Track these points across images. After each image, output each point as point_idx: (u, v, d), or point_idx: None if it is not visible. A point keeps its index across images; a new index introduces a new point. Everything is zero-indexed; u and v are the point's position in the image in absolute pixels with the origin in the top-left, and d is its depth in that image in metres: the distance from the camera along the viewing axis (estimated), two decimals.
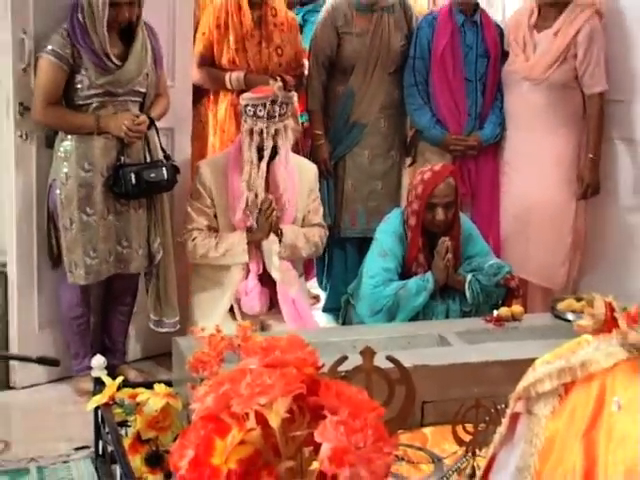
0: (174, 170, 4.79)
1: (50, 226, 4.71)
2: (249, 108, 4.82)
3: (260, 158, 4.86)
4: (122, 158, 4.61)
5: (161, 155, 4.79)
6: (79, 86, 4.56)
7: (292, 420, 2.22)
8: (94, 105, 4.58)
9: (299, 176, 5.07)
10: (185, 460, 2.21)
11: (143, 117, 4.64)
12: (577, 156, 5.41)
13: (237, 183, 4.88)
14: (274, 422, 2.16)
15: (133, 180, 4.58)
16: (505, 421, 2.26)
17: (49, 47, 4.49)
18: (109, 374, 3.76)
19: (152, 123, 4.70)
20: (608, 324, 2.10)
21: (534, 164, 5.41)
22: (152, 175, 4.67)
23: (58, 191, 4.59)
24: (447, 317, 4.77)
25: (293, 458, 2.23)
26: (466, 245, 4.95)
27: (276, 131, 4.83)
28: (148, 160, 4.72)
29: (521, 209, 5.48)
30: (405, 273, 4.83)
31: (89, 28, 4.47)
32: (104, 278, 4.77)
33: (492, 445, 2.29)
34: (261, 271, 4.97)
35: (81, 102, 4.58)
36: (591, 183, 5.34)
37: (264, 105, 4.78)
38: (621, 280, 5.42)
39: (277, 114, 4.80)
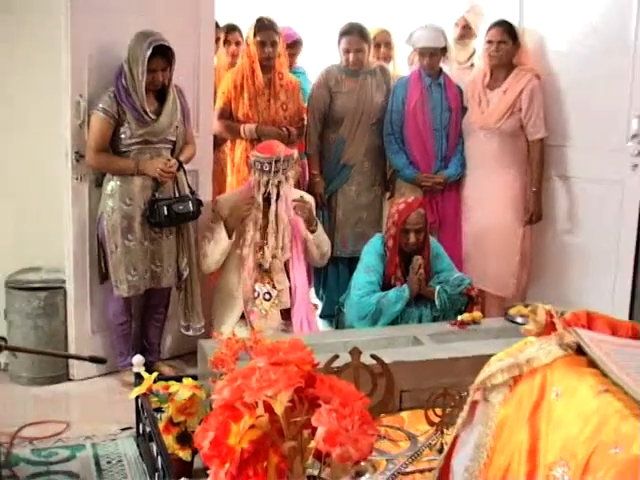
0: (198, 203, 4.78)
1: (99, 250, 4.70)
2: (257, 164, 4.86)
3: (267, 200, 4.92)
4: (156, 194, 4.62)
5: (188, 191, 4.78)
6: (123, 136, 4.55)
7: (294, 408, 2.22)
8: (134, 151, 4.58)
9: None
10: (207, 441, 2.21)
11: (174, 161, 4.64)
12: (523, 190, 5.41)
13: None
14: (279, 410, 2.16)
15: (165, 212, 4.59)
16: (466, 407, 2.26)
17: (99, 105, 4.49)
18: (147, 369, 3.76)
19: (181, 165, 4.71)
20: (548, 328, 2.10)
21: (489, 197, 5.40)
22: (180, 208, 4.67)
23: (105, 222, 4.58)
24: (420, 321, 4.74)
25: (295, 439, 2.22)
26: (434, 262, 4.93)
27: (279, 182, 4.87)
28: (177, 195, 4.71)
29: (479, 233, 5.46)
30: (385, 286, 4.81)
31: (131, 90, 4.48)
32: (142, 292, 4.76)
33: (456, 427, 2.29)
34: (269, 294, 4.97)
35: (124, 149, 4.57)
36: (534, 211, 5.35)
37: (269, 163, 4.81)
38: (560, 289, 5.43)
39: (280, 170, 4.83)
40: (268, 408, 2.20)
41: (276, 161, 4.84)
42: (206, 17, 5.07)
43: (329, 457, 2.13)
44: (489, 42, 5.34)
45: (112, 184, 4.58)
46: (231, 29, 5.94)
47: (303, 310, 4.95)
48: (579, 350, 2.03)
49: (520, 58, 5.35)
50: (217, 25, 5.41)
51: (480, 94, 5.41)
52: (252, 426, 2.21)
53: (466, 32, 5.98)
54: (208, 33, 5.11)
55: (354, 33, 5.42)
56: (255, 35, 5.32)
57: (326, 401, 2.21)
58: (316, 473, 2.24)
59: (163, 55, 4.49)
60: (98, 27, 4.55)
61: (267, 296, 4.95)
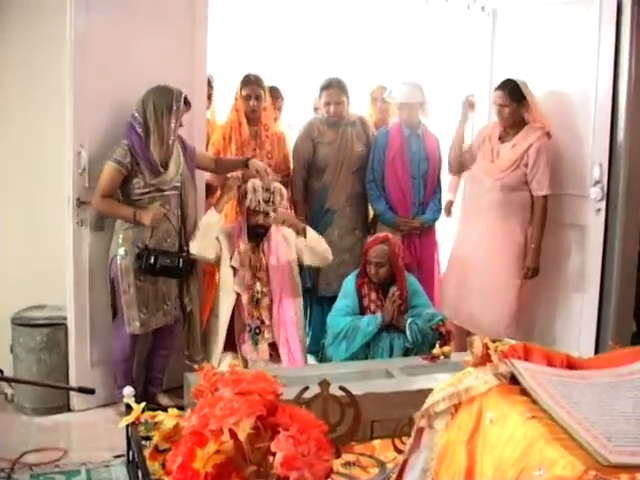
0: (190, 262, 4.81)
1: (111, 290, 4.69)
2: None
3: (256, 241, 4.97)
4: (147, 243, 4.64)
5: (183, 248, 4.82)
6: (136, 186, 4.57)
7: (258, 435, 2.23)
8: (146, 199, 4.61)
9: (286, 240, 5.07)
10: (175, 465, 2.22)
11: (162, 211, 4.65)
12: (523, 242, 5.29)
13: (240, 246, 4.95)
14: (241, 436, 2.18)
15: (152, 261, 4.59)
16: (413, 434, 2.28)
17: (114, 157, 4.50)
18: (149, 400, 3.75)
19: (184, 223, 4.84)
20: (484, 359, 2.13)
21: (487, 246, 5.33)
22: (167, 262, 4.65)
23: (119, 264, 4.59)
24: (392, 348, 4.77)
25: (260, 464, 2.23)
26: (412, 297, 4.94)
27: (268, 212, 4.92)
28: (175, 249, 4.78)
29: (474, 279, 5.39)
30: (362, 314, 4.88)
31: (151, 143, 4.52)
32: (153, 329, 4.78)
33: (405, 452, 2.31)
34: (259, 328, 4.96)
35: (136, 197, 4.60)
36: (531, 267, 5.23)
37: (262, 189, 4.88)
38: (533, 327, 5.48)
39: (270, 199, 4.90)
40: (233, 435, 2.22)
41: (267, 189, 4.89)
42: (199, 75, 5.14)
43: None
44: (494, 103, 5.29)
45: (126, 231, 4.61)
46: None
47: (286, 345, 4.94)
48: (513, 379, 2.06)
49: (531, 115, 5.25)
50: (209, 82, 5.48)
51: (493, 146, 5.34)
52: (217, 451, 2.22)
53: None
54: (201, 90, 5.17)
55: (333, 87, 5.50)
56: (241, 90, 5.43)
57: (285, 428, 2.23)
58: None
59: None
60: (99, 83, 4.62)
61: (257, 330, 4.96)
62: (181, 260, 4.72)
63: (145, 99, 4.55)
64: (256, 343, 4.94)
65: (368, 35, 7.83)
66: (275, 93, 6.05)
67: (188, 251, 4.81)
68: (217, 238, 4.92)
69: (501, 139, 5.34)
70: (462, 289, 5.46)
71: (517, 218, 5.28)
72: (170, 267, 4.67)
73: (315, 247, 5.07)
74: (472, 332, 5.45)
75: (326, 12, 7.56)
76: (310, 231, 5.08)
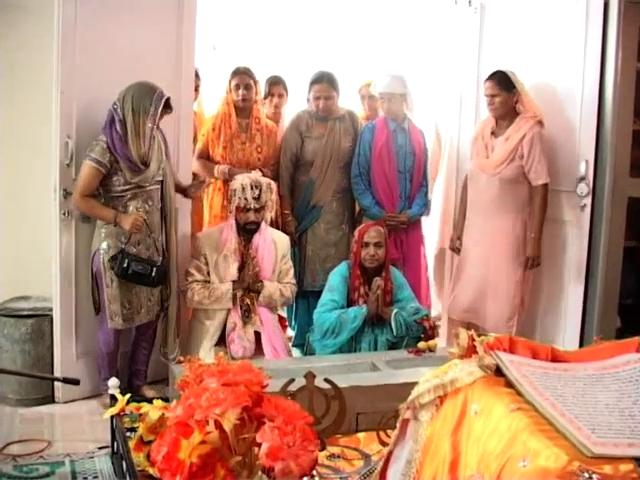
0: (163, 272, 4.73)
1: (94, 284, 4.64)
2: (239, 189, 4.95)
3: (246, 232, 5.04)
4: (124, 246, 4.56)
5: (159, 258, 4.75)
6: (116, 183, 4.51)
7: (243, 426, 2.23)
8: (128, 197, 4.56)
9: (275, 245, 5.11)
10: (160, 455, 2.22)
11: (142, 220, 4.56)
12: (523, 235, 5.24)
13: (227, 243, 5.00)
14: (227, 427, 2.18)
15: (125, 265, 4.50)
16: (398, 425, 2.28)
17: (92, 155, 4.44)
18: (133, 392, 3.73)
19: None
20: (470, 351, 2.13)
21: (489, 240, 5.29)
22: (140, 268, 4.56)
23: (101, 258, 4.55)
24: (375, 344, 4.80)
25: (245, 455, 2.24)
26: (397, 291, 4.98)
27: (259, 207, 4.99)
28: (148, 257, 4.68)
29: (480, 275, 5.34)
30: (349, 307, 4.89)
31: (129, 140, 4.44)
32: (136, 324, 4.74)
33: (390, 444, 2.31)
34: (247, 312, 4.98)
35: (117, 195, 4.54)
36: (532, 256, 5.19)
37: (251, 187, 4.94)
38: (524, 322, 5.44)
39: (260, 196, 4.95)
40: (219, 425, 2.22)
41: (256, 186, 4.92)
42: (187, 67, 5.13)
43: (274, 472, 2.15)
44: (485, 95, 5.27)
45: (109, 226, 4.55)
46: (275, 82, 5.97)
47: (268, 336, 4.96)
48: (498, 371, 2.06)
49: (523, 105, 5.23)
50: (196, 74, 5.46)
51: (487, 141, 5.32)
52: (202, 442, 2.22)
53: None
54: (188, 82, 5.16)
55: (324, 81, 5.49)
56: (231, 81, 5.44)
57: (271, 419, 2.23)
58: None
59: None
60: (86, 74, 4.60)
61: (247, 314, 4.97)
62: (154, 269, 4.63)
63: (125, 94, 4.48)
64: (245, 323, 4.94)
65: (356, 29, 7.81)
66: (281, 84, 6.03)
67: (163, 261, 4.75)
68: (205, 256, 5.01)
69: (494, 134, 5.32)
70: (470, 287, 5.41)
71: (516, 212, 5.24)
72: (142, 274, 4.58)
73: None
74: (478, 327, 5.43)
75: (313, 7, 7.53)
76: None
